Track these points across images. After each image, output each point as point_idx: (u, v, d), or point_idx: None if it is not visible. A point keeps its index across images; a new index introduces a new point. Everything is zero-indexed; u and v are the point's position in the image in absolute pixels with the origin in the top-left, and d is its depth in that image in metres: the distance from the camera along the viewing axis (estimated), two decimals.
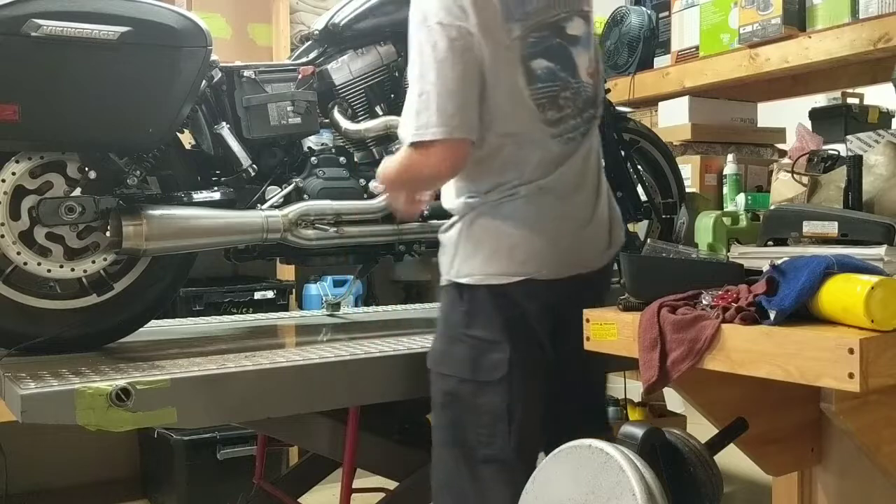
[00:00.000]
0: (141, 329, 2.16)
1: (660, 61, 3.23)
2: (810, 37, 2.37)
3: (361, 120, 2.33)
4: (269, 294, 3.66)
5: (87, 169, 1.98)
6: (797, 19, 2.41)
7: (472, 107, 1.65)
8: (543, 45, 1.74)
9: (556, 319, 1.77)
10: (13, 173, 1.92)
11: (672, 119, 3.13)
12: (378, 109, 2.34)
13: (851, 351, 1.19)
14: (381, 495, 2.25)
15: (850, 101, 3.11)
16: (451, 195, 1.82)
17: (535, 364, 1.75)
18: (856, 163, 1.76)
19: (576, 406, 1.87)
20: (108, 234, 1.97)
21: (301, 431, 2.14)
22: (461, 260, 1.77)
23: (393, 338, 2.19)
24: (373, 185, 2.28)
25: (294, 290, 3.82)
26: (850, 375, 1.19)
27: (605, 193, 1.88)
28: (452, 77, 1.62)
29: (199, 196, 2.10)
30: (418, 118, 1.63)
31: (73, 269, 1.98)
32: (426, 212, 2.34)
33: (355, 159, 2.36)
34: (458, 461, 1.78)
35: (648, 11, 3.40)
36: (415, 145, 1.65)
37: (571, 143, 1.78)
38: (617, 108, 2.66)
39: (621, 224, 1.94)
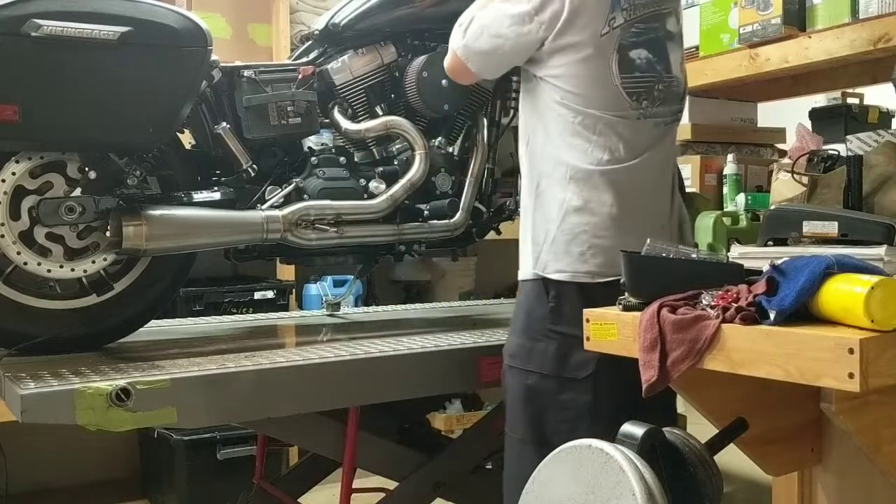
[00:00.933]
0: (141, 329, 2.16)
1: None
2: (810, 37, 2.37)
3: (361, 120, 2.33)
4: (269, 294, 3.66)
5: (87, 169, 1.98)
6: (797, 19, 2.40)
7: (499, 58, 1.91)
8: (646, 36, 1.84)
9: None
10: (13, 173, 1.92)
11: None
12: (378, 109, 2.34)
13: (851, 351, 1.19)
14: (381, 495, 2.25)
15: (850, 101, 3.11)
16: (536, 173, 1.87)
17: (623, 362, 1.74)
18: (856, 163, 1.76)
19: (653, 405, 1.84)
20: (108, 234, 1.97)
21: (301, 431, 2.14)
22: (551, 255, 1.81)
23: (393, 338, 2.19)
24: (373, 185, 2.29)
25: (294, 290, 3.82)
26: (850, 375, 1.19)
27: (678, 192, 1.97)
28: (501, 33, 1.84)
29: (199, 196, 2.10)
30: (465, 34, 1.92)
31: (73, 269, 1.98)
32: (427, 212, 2.34)
33: (355, 159, 2.36)
34: (532, 456, 1.77)
35: None
36: (452, 52, 1.97)
37: (657, 130, 1.86)
38: None
39: (689, 224, 2.00)
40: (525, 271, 1.88)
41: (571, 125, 1.81)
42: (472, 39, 1.90)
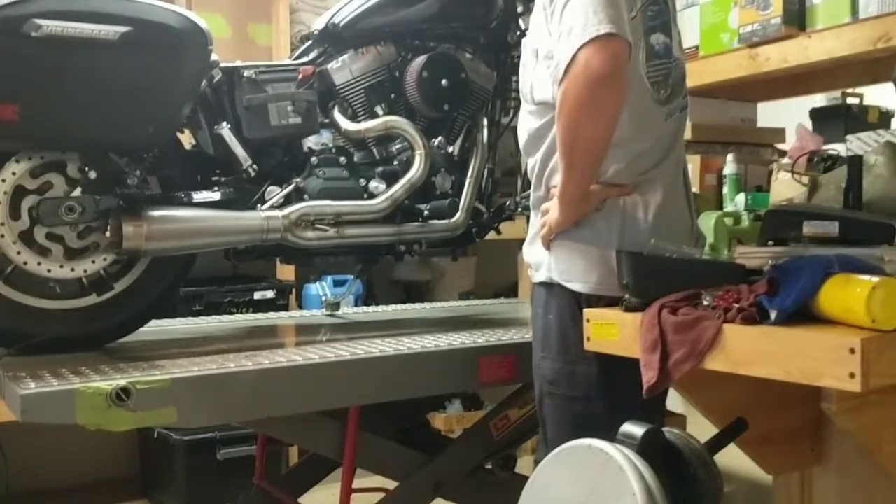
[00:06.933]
0: (141, 329, 2.16)
1: None
2: (810, 36, 2.37)
3: (361, 120, 2.33)
4: (269, 294, 3.65)
5: (87, 169, 1.98)
6: (797, 19, 2.40)
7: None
8: (661, 18, 1.68)
9: None
10: (13, 173, 1.92)
11: None
12: (378, 109, 2.34)
13: (852, 351, 1.19)
14: (381, 495, 2.25)
15: (850, 101, 3.11)
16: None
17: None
18: (856, 163, 1.76)
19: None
20: (108, 234, 1.97)
21: (301, 431, 2.14)
22: (605, 269, 1.66)
23: (393, 338, 2.19)
24: (373, 185, 2.29)
25: (294, 290, 3.82)
26: (851, 375, 1.19)
27: (691, 191, 1.84)
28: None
29: (199, 196, 2.10)
30: (585, 28, 1.50)
31: (73, 269, 1.98)
32: (427, 212, 2.34)
33: (355, 159, 2.36)
34: None
35: None
36: (586, 46, 1.49)
37: (672, 123, 1.73)
38: None
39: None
40: (564, 284, 1.71)
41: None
42: (611, 11, 1.50)
